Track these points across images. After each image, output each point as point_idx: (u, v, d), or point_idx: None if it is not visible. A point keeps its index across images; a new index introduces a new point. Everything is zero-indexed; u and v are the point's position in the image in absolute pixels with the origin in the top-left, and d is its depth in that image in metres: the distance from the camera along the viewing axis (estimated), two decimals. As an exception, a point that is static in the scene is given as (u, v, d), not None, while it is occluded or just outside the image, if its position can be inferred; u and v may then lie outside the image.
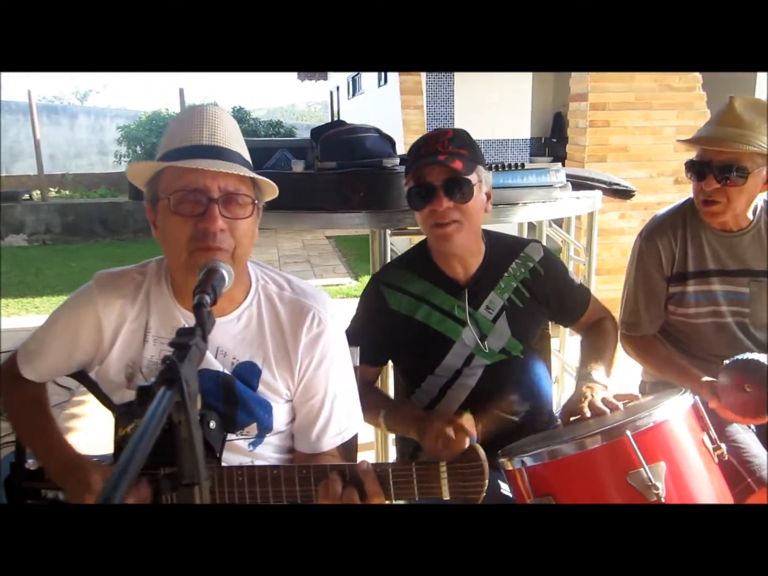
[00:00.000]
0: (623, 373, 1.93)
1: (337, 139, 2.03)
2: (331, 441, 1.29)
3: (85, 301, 1.23)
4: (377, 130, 2.06)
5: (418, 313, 1.59)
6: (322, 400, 1.27)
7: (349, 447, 1.42)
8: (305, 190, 2.05)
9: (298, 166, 2.08)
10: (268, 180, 1.17)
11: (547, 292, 1.66)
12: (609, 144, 4.34)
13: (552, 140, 8.68)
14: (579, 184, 2.64)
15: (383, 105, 8.03)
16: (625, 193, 2.74)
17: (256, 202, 1.16)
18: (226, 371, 1.22)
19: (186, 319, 1.22)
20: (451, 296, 1.60)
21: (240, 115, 11.15)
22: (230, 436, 1.23)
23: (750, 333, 1.79)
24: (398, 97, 6.99)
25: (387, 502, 1.01)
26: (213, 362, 1.22)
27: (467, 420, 1.20)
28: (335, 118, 13.07)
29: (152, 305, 1.23)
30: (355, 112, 10.86)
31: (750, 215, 1.77)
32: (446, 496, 0.97)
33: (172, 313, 1.22)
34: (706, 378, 1.65)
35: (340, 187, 2.01)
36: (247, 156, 1.18)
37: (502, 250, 1.67)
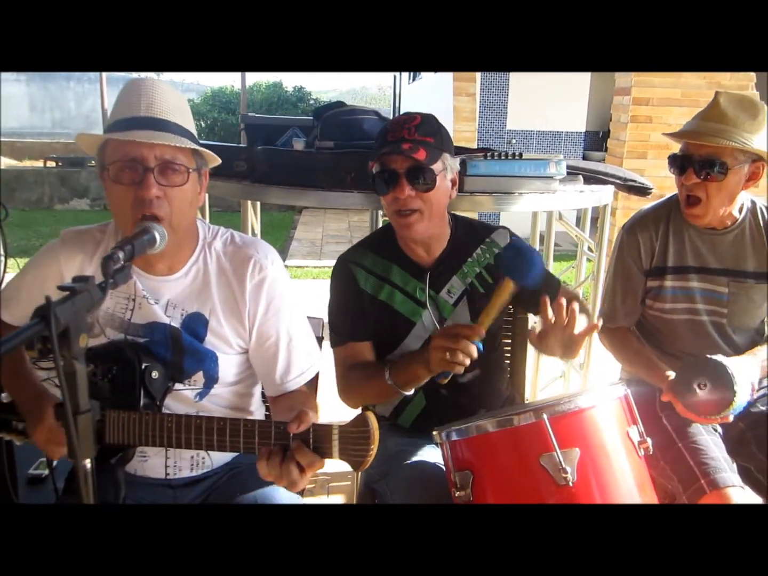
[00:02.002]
0: (604, 367, 1.93)
1: (336, 119, 2.08)
2: (295, 381, 1.39)
3: (50, 255, 1.36)
4: (377, 113, 2.11)
5: (382, 293, 1.63)
6: (276, 343, 1.37)
7: (311, 386, 1.49)
8: (304, 167, 2.12)
9: (299, 144, 2.15)
10: (205, 149, 1.26)
11: None
12: (650, 141, 4.24)
13: (609, 135, 8.42)
14: (591, 178, 2.61)
15: (438, 91, 7.99)
16: (641, 190, 2.69)
17: (191, 170, 1.24)
18: (175, 323, 1.33)
19: (136, 275, 1.32)
20: (414, 278, 1.63)
21: (300, 95, 11.32)
22: (178, 386, 1.34)
23: (725, 333, 1.77)
24: (451, 83, 6.96)
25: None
26: (161, 316, 1.33)
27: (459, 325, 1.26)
28: (396, 104, 13.07)
29: None
30: (413, 97, 10.84)
31: (736, 213, 1.73)
32: (336, 457, 1.03)
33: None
34: (669, 374, 1.65)
35: (335, 167, 2.07)
36: (188, 125, 1.26)
37: (468, 235, 1.68)
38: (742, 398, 1.50)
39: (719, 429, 1.74)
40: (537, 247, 2.96)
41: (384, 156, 1.53)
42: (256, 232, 3.04)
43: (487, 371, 1.67)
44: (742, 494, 1.51)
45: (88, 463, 0.87)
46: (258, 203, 3.02)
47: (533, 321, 1.82)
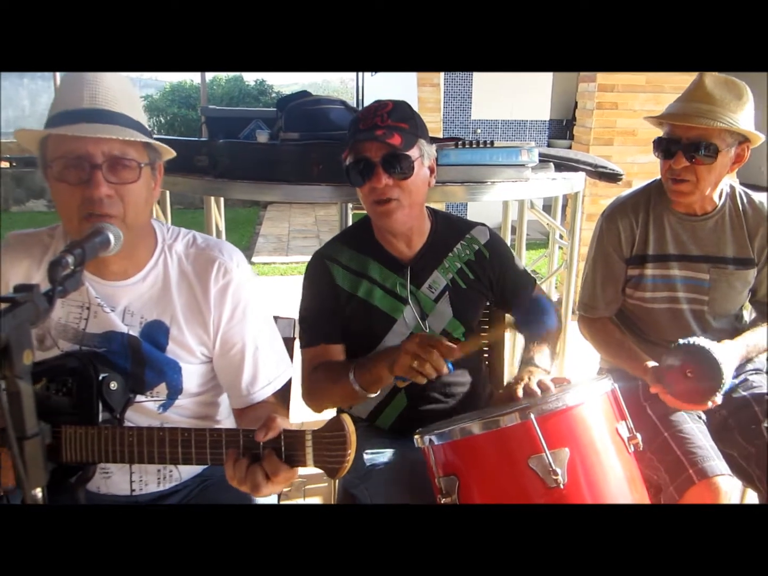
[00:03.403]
0: (582, 358, 1.89)
1: (301, 110, 2.00)
2: (262, 392, 1.31)
3: None
4: (343, 103, 2.03)
5: (360, 289, 1.56)
6: (242, 351, 1.28)
7: (284, 394, 1.43)
8: (268, 160, 2.04)
9: (262, 136, 2.06)
10: (158, 142, 1.16)
11: (491, 275, 1.63)
12: (616, 127, 4.23)
13: (573, 123, 8.45)
14: (563, 165, 2.58)
15: (402, 82, 7.91)
16: (611, 177, 2.66)
17: (143, 164, 1.15)
18: (134, 332, 1.23)
19: (89, 281, 1.22)
20: (394, 273, 1.57)
21: (262, 88, 11.12)
22: (140, 398, 1.25)
23: (705, 321, 1.74)
24: (415, 74, 6.89)
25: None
26: (119, 324, 1.23)
27: (439, 338, 1.26)
28: (359, 96, 12.90)
29: None
30: (376, 90, 10.74)
31: (716, 199, 1.70)
32: (310, 464, 0.96)
33: None
34: (651, 363, 1.61)
35: (302, 158, 1.98)
36: (138, 116, 1.16)
37: (448, 230, 1.63)
38: (728, 379, 1.48)
39: (703, 416, 1.71)
40: (509, 236, 2.92)
41: (357, 144, 1.46)
42: (220, 229, 2.93)
43: (468, 370, 1.63)
44: (730, 482, 1.48)
45: (39, 492, 0.79)
46: (222, 199, 2.91)
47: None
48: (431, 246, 1.59)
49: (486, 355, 1.87)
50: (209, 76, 10.16)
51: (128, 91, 1.17)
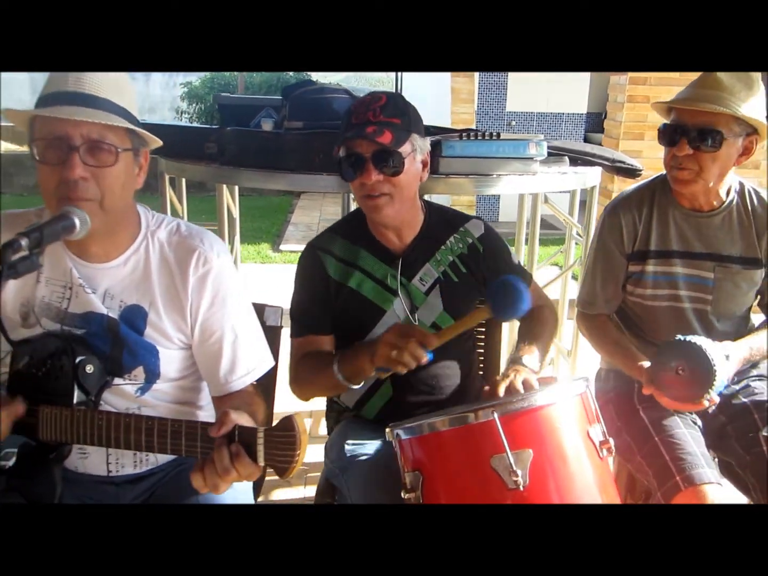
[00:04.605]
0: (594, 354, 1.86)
1: (305, 98, 2.00)
2: (240, 381, 1.32)
3: None
4: (347, 91, 2.02)
5: (351, 280, 1.56)
6: (221, 341, 1.29)
7: (267, 384, 1.46)
8: (273, 149, 2.04)
9: (267, 125, 2.07)
10: (141, 130, 1.17)
11: (484, 270, 1.60)
12: (647, 121, 4.11)
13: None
14: (578, 159, 2.52)
15: (437, 72, 7.85)
16: (629, 172, 2.59)
17: (121, 149, 1.16)
18: (113, 314, 1.25)
19: (72, 262, 1.25)
20: (385, 265, 1.56)
21: (301, 76, 11.15)
22: (118, 381, 1.27)
23: (708, 321, 1.68)
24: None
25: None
26: (99, 306, 1.25)
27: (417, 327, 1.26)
28: (398, 86, 12.85)
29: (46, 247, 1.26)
30: (413, 79, 10.66)
31: (723, 194, 1.64)
32: (261, 462, 0.96)
33: (60, 255, 1.25)
34: (645, 363, 1.57)
35: (304, 148, 1.99)
36: (124, 102, 1.17)
37: (442, 223, 1.62)
38: (722, 377, 1.43)
39: (699, 422, 1.66)
40: (524, 230, 2.87)
41: (348, 140, 1.46)
42: (234, 216, 2.96)
43: (458, 363, 1.61)
44: (719, 491, 1.43)
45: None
46: (236, 187, 2.94)
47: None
48: (423, 238, 1.58)
49: (482, 351, 1.85)
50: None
51: (116, 78, 1.19)
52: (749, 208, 1.66)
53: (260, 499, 2.38)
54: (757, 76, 1.55)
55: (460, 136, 2.02)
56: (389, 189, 1.45)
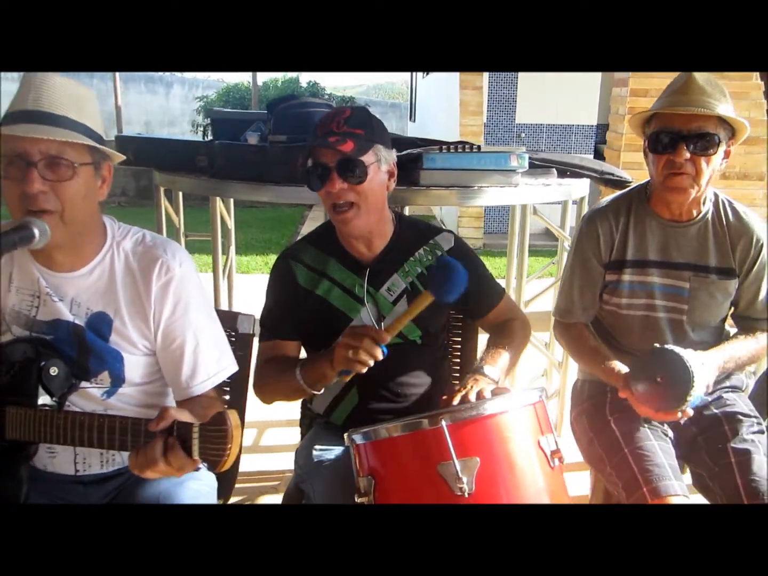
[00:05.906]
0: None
1: (289, 112, 2.05)
2: (201, 386, 1.37)
3: None
4: (330, 106, 2.06)
5: (319, 288, 1.59)
6: (182, 347, 1.34)
7: (239, 390, 1.53)
8: (258, 162, 2.09)
9: (253, 138, 2.12)
10: (101, 146, 1.23)
11: None
12: (648, 133, 4.10)
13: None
14: (566, 171, 2.53)
15: (446, 85, 7.89)
16: (618, 183, 2.59)
17: (79, 164, 1.21)
18: (80, 321, 1.30)
19: (40, 273, 1.30)
20: (353, 274, 1.59)
21: (314, 90, 11.31)
22: (85, 384, 1.32)
23: (682, 331, 1.68)
24: (458, 76, 6.86)
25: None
26: (66, 313, 1.30)
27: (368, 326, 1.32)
28: (413, 98, 13.00)
29: (15, 257, 1.32)
30: (426, 93, 10.74)
31: (701, 204, 1.65)
32: (196, 456, 1.01)
33: (29, 266, 1.31)
34: (623, 369, 1.57)
35: (288, 161, 2.03)
36: (84, 118, 1.23)
37: (412, 235, 1.64)
38: (699, 389, 1.44)
39: (670, 433, 1.66)
40: (515, 240, 2.88)
41: (313, 150, 1.50)
42: (229, 228, 3.01)
43: (425, 372, 1.63)
44: (684, 504, 1.43)
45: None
46: (231, 199, 3.00)
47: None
48: (392, 249, 1.61)
49: (458, 360, 1.87)
50: (265, 77, 10.39)
51: (76, 95, 1.24)
52: (723, 218, 1.67)
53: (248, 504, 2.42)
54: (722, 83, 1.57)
55: (440, 149, 2.05)
56: (354, 197, 1.48)
